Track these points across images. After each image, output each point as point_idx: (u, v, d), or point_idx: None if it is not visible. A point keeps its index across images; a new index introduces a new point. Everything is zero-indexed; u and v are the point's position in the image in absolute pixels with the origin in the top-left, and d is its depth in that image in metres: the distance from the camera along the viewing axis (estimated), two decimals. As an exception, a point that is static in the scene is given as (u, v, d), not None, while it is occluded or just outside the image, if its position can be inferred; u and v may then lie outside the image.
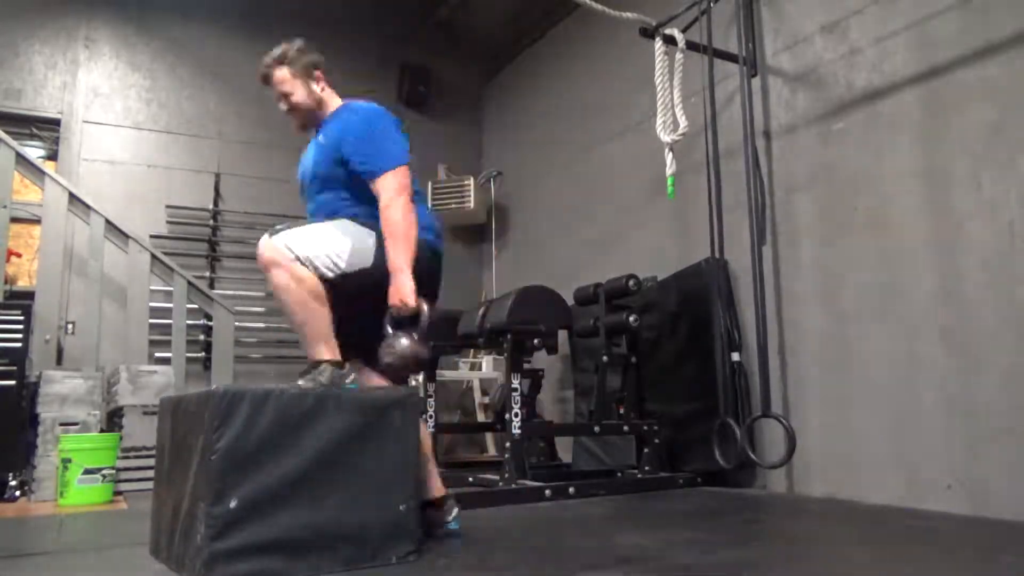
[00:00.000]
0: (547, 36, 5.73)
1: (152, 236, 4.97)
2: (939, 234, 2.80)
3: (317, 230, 2.15)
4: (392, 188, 2.16)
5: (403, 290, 2.09)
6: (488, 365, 5.40)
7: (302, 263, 2.04)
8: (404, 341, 2.08)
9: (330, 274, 2.09)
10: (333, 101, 2.40)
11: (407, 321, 2.11)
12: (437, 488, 2.31)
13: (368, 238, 2.17)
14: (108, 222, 4.35)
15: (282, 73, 2.32)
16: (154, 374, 3.99)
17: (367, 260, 2.15)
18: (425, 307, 2.12)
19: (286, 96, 2.34)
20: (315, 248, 2.07)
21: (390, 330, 2.11)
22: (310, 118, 2.38)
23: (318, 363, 2.06)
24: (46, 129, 4.99)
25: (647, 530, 2.40)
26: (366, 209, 2.23)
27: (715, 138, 3.40)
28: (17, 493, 3.51)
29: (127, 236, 4.40)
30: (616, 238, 4.70)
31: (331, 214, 2.25)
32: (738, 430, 3.09)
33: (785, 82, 3.53)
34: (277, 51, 2.35)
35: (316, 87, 2.36)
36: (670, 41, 3.56)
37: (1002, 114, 2.63)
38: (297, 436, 1.83)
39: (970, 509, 2.60)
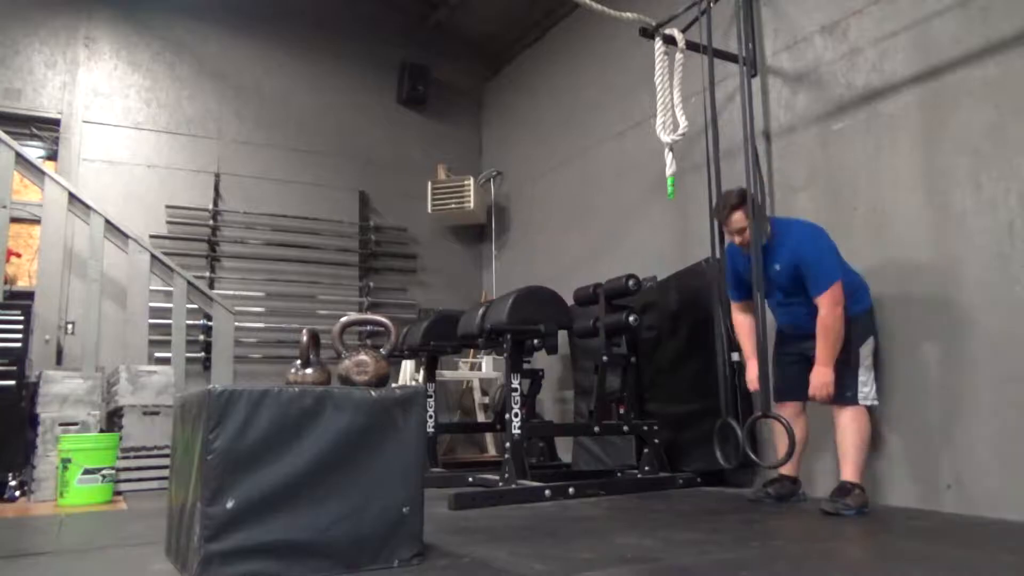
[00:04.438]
0: (547, 36, 5.73)
1: (152, 236, 4.98)
2: (939, 234, 2.80)
3: None
4: (829, 303, 2.73)
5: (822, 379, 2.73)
6: (488, 365, 5.39)
7: None
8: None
9: None
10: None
11: None
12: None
13: None
14: (108, 222, 4.35)
15: (739, 215, 2.90)
16: (154, 374, 3.99)
17: None
18: None
19: (741, 231, 2.91)
20: None
21: None
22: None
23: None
24: (46, 129, 4.99)
25: (647, 530, 2.40)
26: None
27: (715, 138, 3.39)
28: (17, 493, 3.51)
29: (127, 236, 4.40)
30: (616, 238, 4.70)
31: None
32: (738, 430, 3.09)
33: (785, 82, 3.52)
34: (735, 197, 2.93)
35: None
36: (670, 41, 3.55)
37: (1002, 114, 2.63)
38: (296, 436, 1.82)
39: (970, 509, 2.60)
